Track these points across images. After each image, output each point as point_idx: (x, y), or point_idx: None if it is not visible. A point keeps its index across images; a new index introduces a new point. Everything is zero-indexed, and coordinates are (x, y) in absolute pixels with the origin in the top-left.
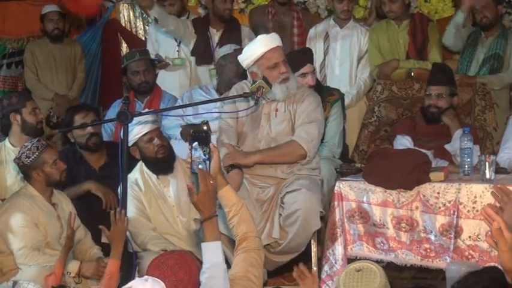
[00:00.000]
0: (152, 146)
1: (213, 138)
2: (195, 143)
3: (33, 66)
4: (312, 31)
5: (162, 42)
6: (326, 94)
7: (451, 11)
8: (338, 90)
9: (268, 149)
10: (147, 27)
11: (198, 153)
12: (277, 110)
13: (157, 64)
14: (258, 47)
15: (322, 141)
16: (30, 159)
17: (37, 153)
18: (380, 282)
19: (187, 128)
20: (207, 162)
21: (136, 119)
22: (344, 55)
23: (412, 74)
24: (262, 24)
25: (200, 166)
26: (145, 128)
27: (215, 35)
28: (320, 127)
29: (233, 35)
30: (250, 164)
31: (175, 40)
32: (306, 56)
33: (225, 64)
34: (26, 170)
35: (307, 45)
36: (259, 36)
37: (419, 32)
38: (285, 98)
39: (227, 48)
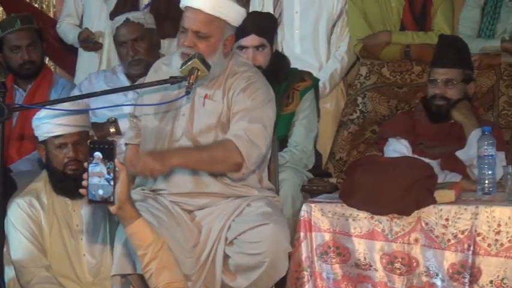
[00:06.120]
0: (62, 155)
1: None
2: (94, 157)
3: None
4: None
5: (90, 5)
6: (293, 79)
7: None
8: (310, 74)
9: (193, 149)
10: None
11: (99, 172)
12: (206, 97)
13: (86, 45)
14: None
15: (285, 145)
16: None
17: None
18: None
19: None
20: (111, 183)
21: (50, 111)
22: (307, 24)
23: (411, 52)
24: None
25: (100, 192)
26: (60, 129)
27: None
28: (267, 132)
29: None
30: (167, 170)
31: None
32: (251, 23)
33: (116, 43)
34: None
35: (250, 7)
36: None
37: None
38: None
39: (118, 19)
